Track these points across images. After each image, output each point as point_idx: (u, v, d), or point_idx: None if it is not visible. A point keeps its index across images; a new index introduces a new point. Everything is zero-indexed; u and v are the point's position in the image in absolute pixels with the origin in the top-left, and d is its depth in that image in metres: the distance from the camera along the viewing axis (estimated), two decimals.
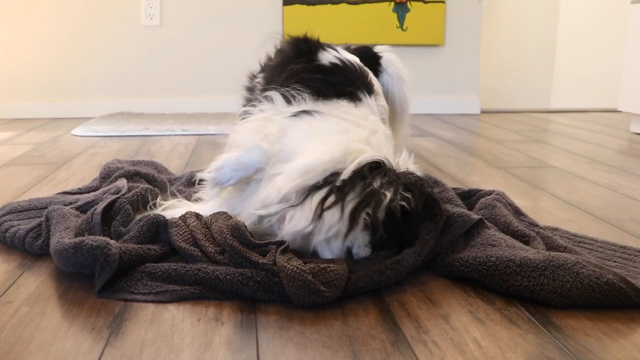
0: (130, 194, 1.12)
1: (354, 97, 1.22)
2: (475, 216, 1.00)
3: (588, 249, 1.00)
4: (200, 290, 0.85)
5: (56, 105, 2.91)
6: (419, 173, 0.98)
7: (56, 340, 0.73)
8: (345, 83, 1.24)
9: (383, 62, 1.56)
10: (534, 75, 4.32)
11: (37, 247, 1.00)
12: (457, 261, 0.91)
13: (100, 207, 1.03)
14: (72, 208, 1.08)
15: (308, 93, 1.18)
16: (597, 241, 1.04)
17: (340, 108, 1.16)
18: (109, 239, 0.89)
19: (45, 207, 1.14)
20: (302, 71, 1.25)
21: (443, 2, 2.98)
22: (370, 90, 1.29)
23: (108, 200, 1.06)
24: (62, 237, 0.92)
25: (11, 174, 1.63)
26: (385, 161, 0.95)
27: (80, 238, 0.89)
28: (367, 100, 1.24)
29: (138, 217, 1.04)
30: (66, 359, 0.69)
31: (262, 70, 1.45)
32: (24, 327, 0.76)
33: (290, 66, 1.27)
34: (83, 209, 1.11)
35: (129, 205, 1.08)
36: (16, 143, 2.16)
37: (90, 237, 0.89)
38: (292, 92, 1.18)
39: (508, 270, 0.85)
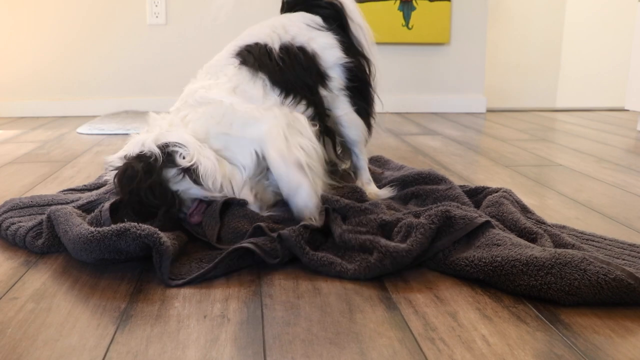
0: None
1: None
2: (479, 220, 0.98)
3: (596, 246, 1.00)
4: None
5: (61, 103, 2.92)
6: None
7: (62, 336, 0.73)
8: None
9: None
10: (540, 74, 4.30)
11: (38, 247, 1.00)
12: (462, 261, 0.90)
13: (107, 204, 1.03)
14: (73, 207, 1.08)
15: None
16: (605, 239, 1.03)
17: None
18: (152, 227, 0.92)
19: (47, 204, 1.14)
20: None
21: (449, 0, 2.97)
22: None
23: (115, 199, 1.06)
24: (83, 226, 0.94)
25: (16, 172, 1.63)
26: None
27: (123, 225, 0.90)
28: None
29: None
30: (72, 355, 0.68)
31: None
32: (30, 323, 0.76)
33: None
34: (85, 207, 1.10)
35: None
36: (21, 141, 2.16)
37: (134, 224, 0.91)
38: None
39: (514, 270, 0.85)
